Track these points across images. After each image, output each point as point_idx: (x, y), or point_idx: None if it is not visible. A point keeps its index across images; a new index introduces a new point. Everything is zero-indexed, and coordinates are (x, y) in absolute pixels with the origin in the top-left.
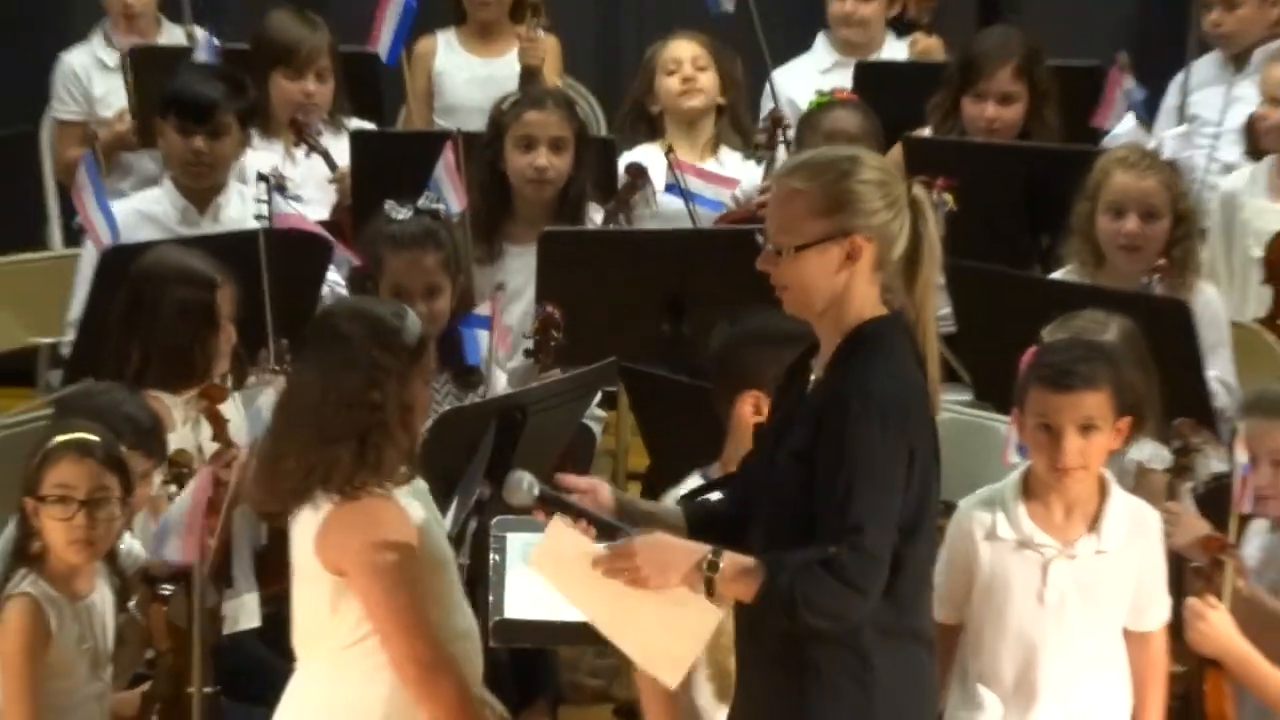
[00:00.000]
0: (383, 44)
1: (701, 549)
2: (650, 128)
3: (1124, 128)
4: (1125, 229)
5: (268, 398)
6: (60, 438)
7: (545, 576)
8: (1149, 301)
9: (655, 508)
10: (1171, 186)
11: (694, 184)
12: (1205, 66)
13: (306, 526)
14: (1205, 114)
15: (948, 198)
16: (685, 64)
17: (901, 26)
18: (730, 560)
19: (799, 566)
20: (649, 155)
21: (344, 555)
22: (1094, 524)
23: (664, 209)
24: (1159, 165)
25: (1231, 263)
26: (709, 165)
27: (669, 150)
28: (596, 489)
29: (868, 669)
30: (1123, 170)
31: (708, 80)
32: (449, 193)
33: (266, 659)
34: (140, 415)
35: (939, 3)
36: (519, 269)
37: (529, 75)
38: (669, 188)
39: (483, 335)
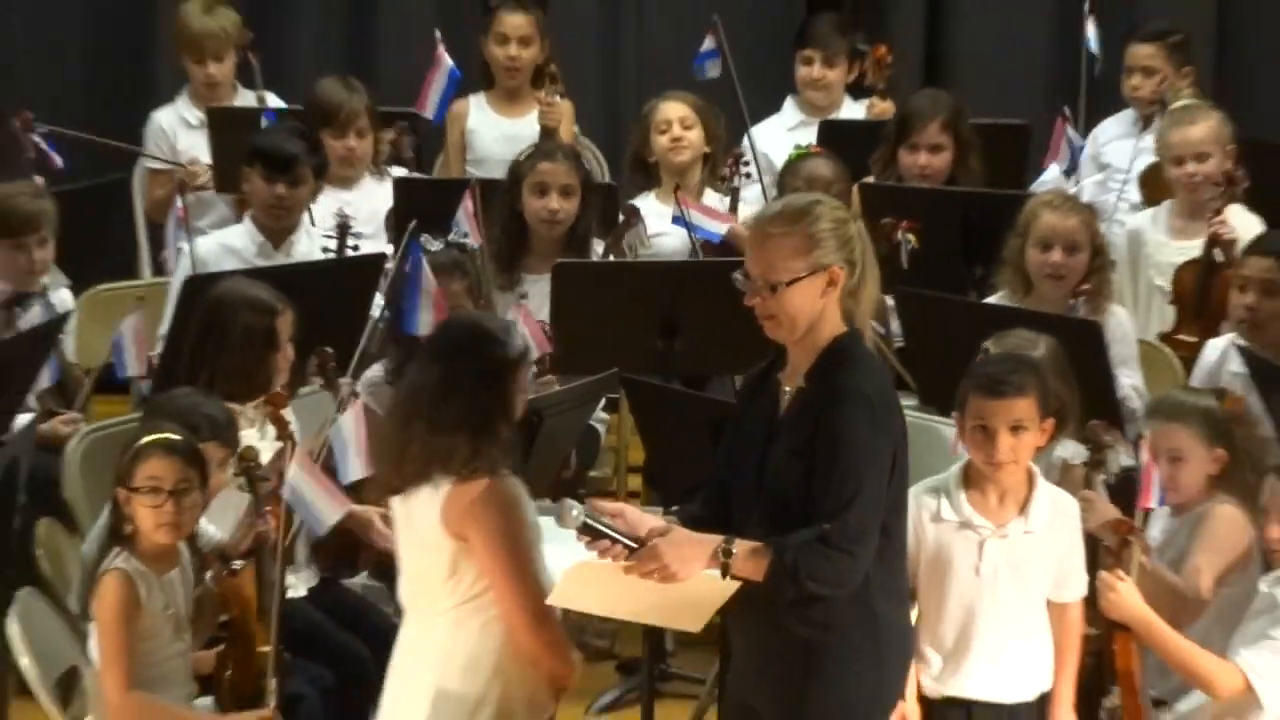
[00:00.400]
0: (430, 106)
1: (715, 540)
2: (647, 174)
3: (1049, 175)
4: (1051, 260)
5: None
6: (150, 437)
7: (568, 604)
8: (1068, 323)
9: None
10: (1090, 225)
11: (696, 217)
12: (1116, 123)
13: (428, 502)
14: (1116, 162)
15: (911, 237)
16: (674, 124)
17: (858, 91)
18: (741, 546)
19: (800, 544)
20: (649, 202)
21: (468, 523)
22: (1023, 509)
23: (668, 241)
24: (1079, 207)
25: (1137, 290)
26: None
27: (676, 188)
28: (624, 512)
29: (876, 623)
30: (1049, 211)
31: (694, 137)
32: (468, 228)
33: (319, 622)
34: (216, 413)
35: (892, 72)
36: (535, 294)
37: (547, 135)
38: (675, 219)
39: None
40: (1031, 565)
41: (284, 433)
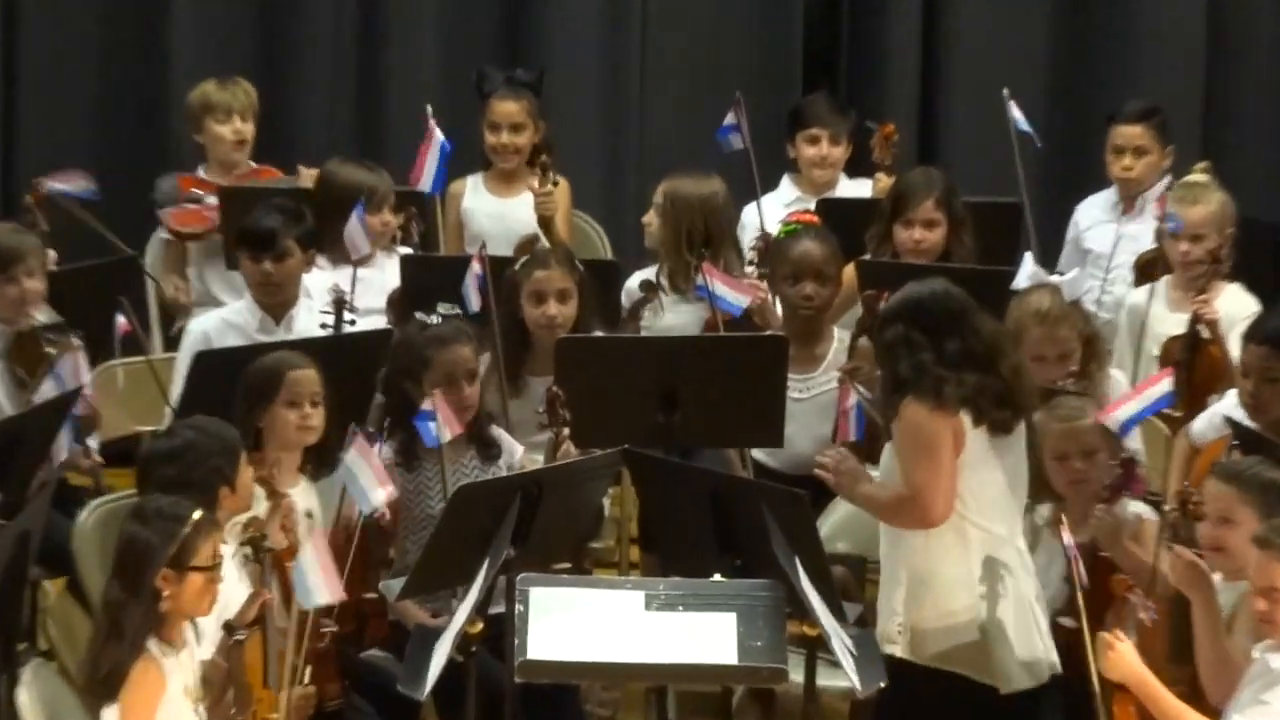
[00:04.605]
0: (425, 179)
1: None
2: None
3: (1027, 270)
4: (1048, 373)
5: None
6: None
7: None
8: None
9: None
10: (1078, 326)
11: (719, 288)
12: (1097, 207)
13: None
14: (1097, 248)
15: None
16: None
17: (854, 168)
18: None
19: None
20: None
21: None
22: None
23: (670, 325)
24: (1065, 312)
25: (1139, 362)
26: None
27: (701, 257)
28: None
29: None
30: (1038, 324)
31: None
32: (471, 294)
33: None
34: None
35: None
36: (542, 392)
37: (544, 225)
38: (698, 289)
39: (433, 425)
40: None
41: (272, 493)
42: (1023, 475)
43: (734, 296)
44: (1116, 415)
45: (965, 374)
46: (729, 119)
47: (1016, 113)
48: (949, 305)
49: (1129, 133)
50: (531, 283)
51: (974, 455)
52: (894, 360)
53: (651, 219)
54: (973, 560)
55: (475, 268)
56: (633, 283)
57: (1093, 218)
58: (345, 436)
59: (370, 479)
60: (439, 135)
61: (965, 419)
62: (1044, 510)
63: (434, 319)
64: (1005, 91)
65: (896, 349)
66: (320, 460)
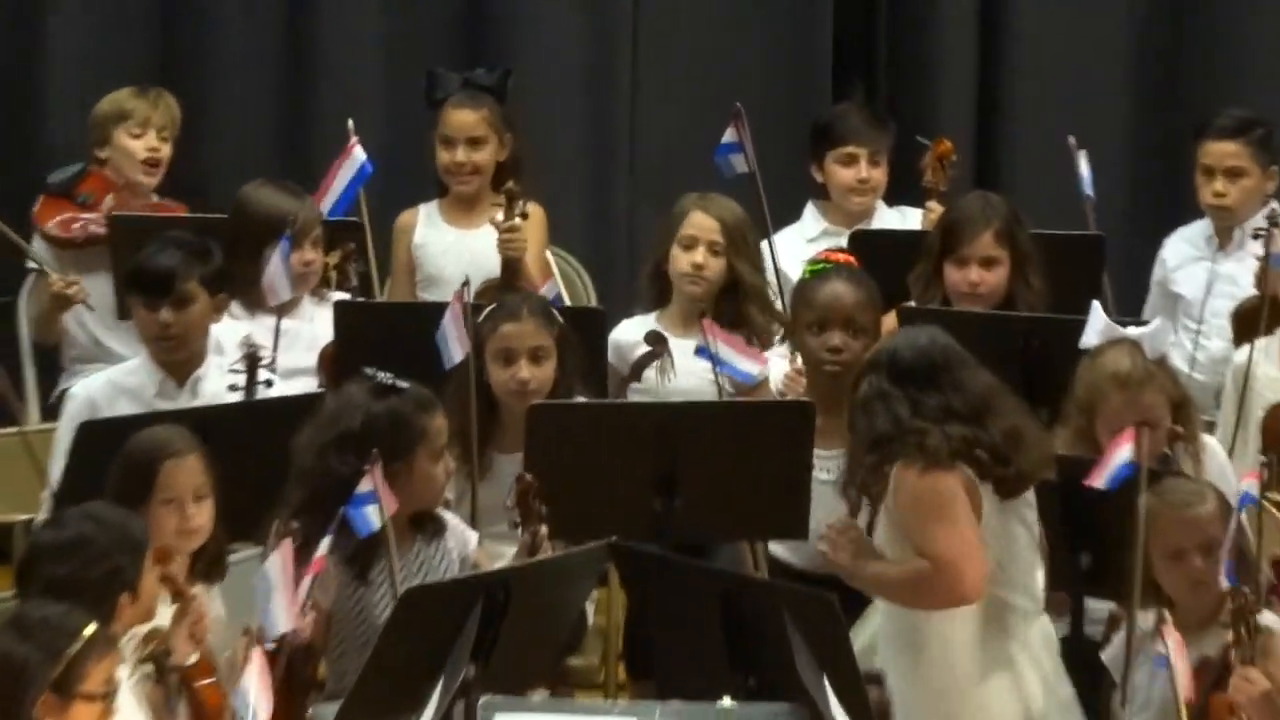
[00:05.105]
0: (328, 199)
1: None
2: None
3: (1097, 323)
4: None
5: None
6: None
7: None
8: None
9: None
10: (1165, 388)
11: (725, 352)
12: (1186, 242)
13: None
14: (1188, 294)
15: None
16: (700, 244)
17: (895, 195)
18: None
19: None
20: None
21: None
22: None
23: (681, 388)
24: (1149, 373)
25: (1247, 430)
26: None
27: (702, 314)
28: None
29: None
30: (1117, 389)
31: (715, 265)
32: (453, 342)
33: None
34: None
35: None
36: (511, 473)
37: (510, 268)
38: (699, 351)
39: (371, 510)
40: None
41: (178, 594)
42: (1034, 547)
43: (744, 363)
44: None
45: (950, 426)
46: (728, 136)
47: (1084, 168)
48: (930, 357)
49: (1221, 150)
50: (498, 338)
51: (990, 517)
52: (869, 417)
53: (707, 261)
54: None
55: (456, 309)
56: (622, 335)
57: (1182, 255)
58: (264, 528)
59: (283, 598)
60: (360, 155)
61: (968, 471)
62: (1145, 617)
63: (385, 377)
64: (1072, 140)
65: (871, 404)
66: (211, 561)
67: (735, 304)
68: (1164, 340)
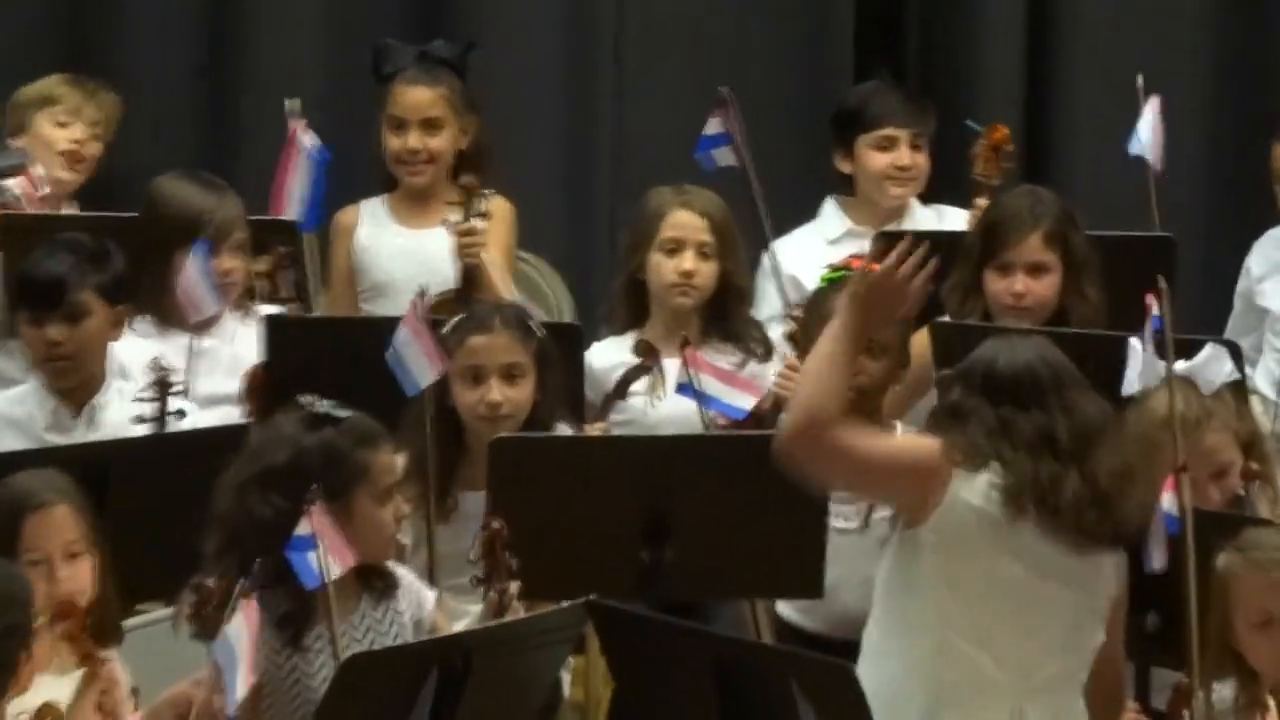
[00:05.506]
0: (292, 204)
1: None
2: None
3: (1136, 363)
4: (1203, 502)
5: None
6: None
7: None
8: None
9: None
10: (1230, 425)
11: (711, 385)
12: (1274, 248)
13: None
14: (1276, 307)
15: None
16: (688, 245)
17: (933, 193)
18: None
19: None
20: (621, 352)
21: None
22: None
23: (673, 414)
24: (1207, 410)
25: None
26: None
27: (684, 341)
28: None
29: None
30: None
31: (707, 269)
32: (413, 363)
33: None
34: None
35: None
36: (480, 514)
37: (469, 276)
38: (681, 387)
39: (312, 558)
40: None
41: (85, 658)
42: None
43: (735, 396)
44: None
45: (1043, 461)
46: (712, 126)
47: (1147, 119)
48: (1036, 373)
49: None
50: (465, 354)
51: (987, 540)
52: (940, 431)
53: (697, 266)
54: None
55: (413, 323)
56: (596, 359)
57: (1270, 262)
58: (176, 585)
59: (245, 669)
60: (307, 141)
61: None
62: (1225, 691)
63: (322, 406)
64: (1139, 81)
65: (940, 419)
66: (101, 626)
67: (726, 312)
68: (1219, 369)
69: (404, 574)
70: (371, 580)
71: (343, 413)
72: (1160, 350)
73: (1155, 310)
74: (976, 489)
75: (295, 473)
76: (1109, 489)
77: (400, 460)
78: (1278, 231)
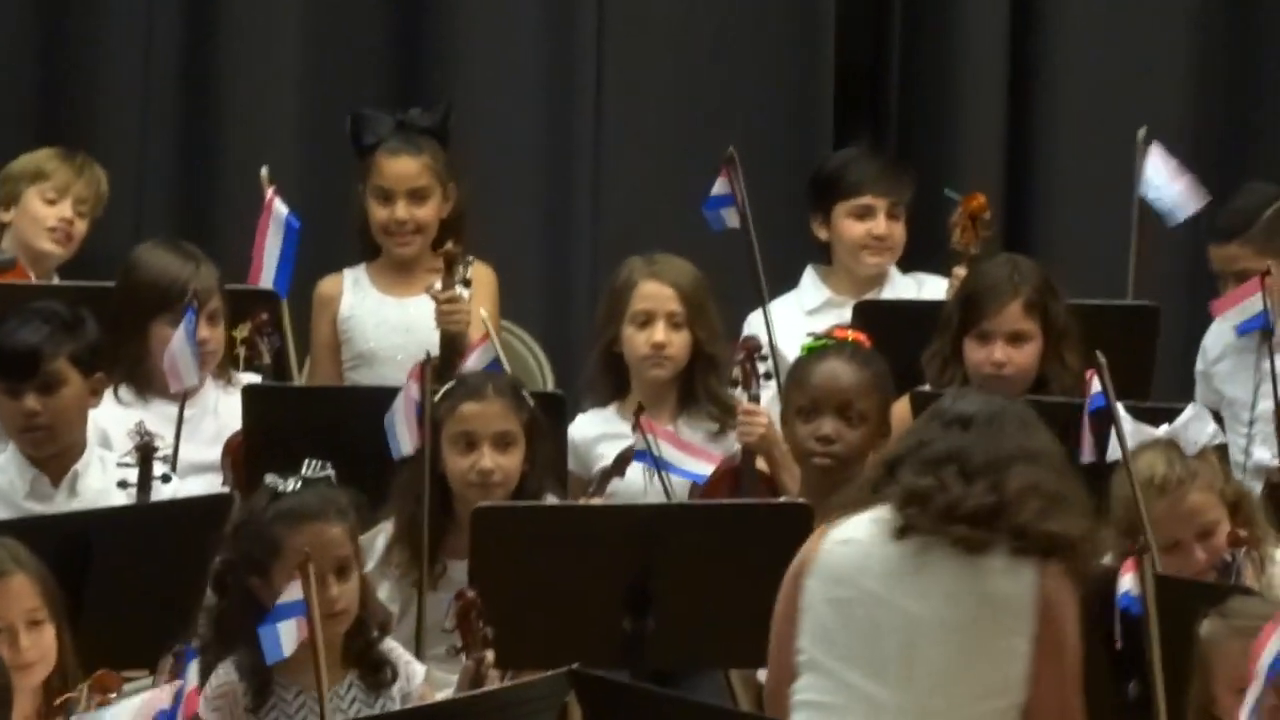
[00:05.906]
0: (268, 273)
1: None
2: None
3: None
4: (1189, 563)
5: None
6: None
7: None
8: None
9: None
10: (1215, 485)
11: (669, 452)
12: (1229, 329)
13: None
14: (1233, 393)
15: None
16: (659, 316)
17: (911, 261)
18: None
19: None
20: (608, 422)
21: None
22: None
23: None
24: (1190, 471)
25: None
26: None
27: (639, 410)
28: None
29: None
30: (1156, 498)
31: (679, 341)
32: (402, 430)
33: None
34: None
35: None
36: (463, 583)
37: (450, 344)
38: (639, 455)
39: (280, 630)
40: None
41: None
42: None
43: (691, 463)
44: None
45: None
46: (718, 187)
47: (1154, 164)
48: (976, 406)
49: (1223, 255)
50: (457, 420)
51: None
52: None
53: (668, 337)
54: None
55: (413, 390)
56: (578, 432)
57: (1224, 344)
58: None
59: None
60: (281, 209)
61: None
62: None
63: (290, 484)
64: (1141, 133)
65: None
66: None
67: (696, 378)
68: (1202, 431)
69: (397, 651)
70: (368, 656)
71: (320, 476)
72: (1102, 427)
73: (1096, 387)
74: (849, 528)
75: (232, 544)
76: (1015, 497)
77: (387, 529)
78: (1232, 312)
